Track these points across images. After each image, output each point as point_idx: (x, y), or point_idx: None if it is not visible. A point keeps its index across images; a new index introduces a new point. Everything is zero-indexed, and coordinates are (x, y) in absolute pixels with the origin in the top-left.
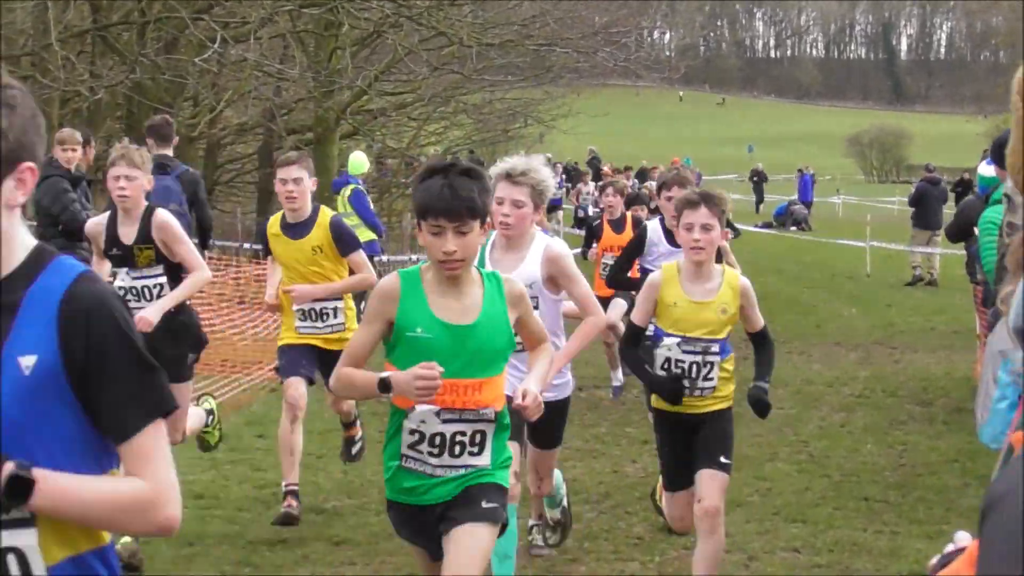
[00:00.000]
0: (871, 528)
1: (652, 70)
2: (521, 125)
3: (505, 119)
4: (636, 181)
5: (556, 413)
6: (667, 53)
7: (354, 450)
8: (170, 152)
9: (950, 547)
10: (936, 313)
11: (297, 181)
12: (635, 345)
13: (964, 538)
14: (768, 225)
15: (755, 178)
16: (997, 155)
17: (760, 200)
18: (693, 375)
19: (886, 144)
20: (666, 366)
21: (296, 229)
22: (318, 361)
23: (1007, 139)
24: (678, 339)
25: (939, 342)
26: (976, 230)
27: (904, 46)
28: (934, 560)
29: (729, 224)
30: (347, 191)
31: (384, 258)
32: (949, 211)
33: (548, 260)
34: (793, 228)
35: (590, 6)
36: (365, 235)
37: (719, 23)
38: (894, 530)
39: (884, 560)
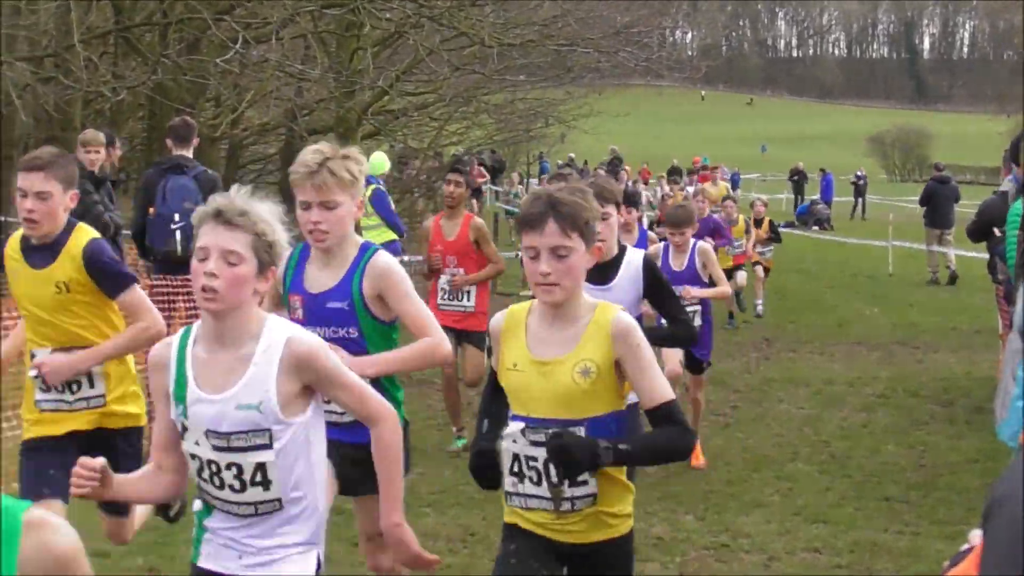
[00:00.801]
0: (892, 528)
1: (674, 70)
2: (542, 125)
3: (527, 119)
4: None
5: None
6: (689, 53)
7: None
8: (189, 153)
9: (965, 547)
10: (958, 313)
11: (43, 196)
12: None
13: (979, 537)
14: (790, 224)
15: (795, 177)
16: (1014, 152)
17: (800, 200)
18: (553, 479)
19: (908, 143)
20: (516, 468)
21: (40, 254)
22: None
23: None
24: (522, 423)
25: (961, 342)
26: (996, 230)
27: (926, 45)
28: (947, 563)
29: (772, 228)
30: (368, 191)
31: (406, 258)
32: (962, 210)
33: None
34: (815, 227)
35: (611, 6)
36: (386, 235)
37: (741, 23)
38: (915, 530)
39: (905, 560)
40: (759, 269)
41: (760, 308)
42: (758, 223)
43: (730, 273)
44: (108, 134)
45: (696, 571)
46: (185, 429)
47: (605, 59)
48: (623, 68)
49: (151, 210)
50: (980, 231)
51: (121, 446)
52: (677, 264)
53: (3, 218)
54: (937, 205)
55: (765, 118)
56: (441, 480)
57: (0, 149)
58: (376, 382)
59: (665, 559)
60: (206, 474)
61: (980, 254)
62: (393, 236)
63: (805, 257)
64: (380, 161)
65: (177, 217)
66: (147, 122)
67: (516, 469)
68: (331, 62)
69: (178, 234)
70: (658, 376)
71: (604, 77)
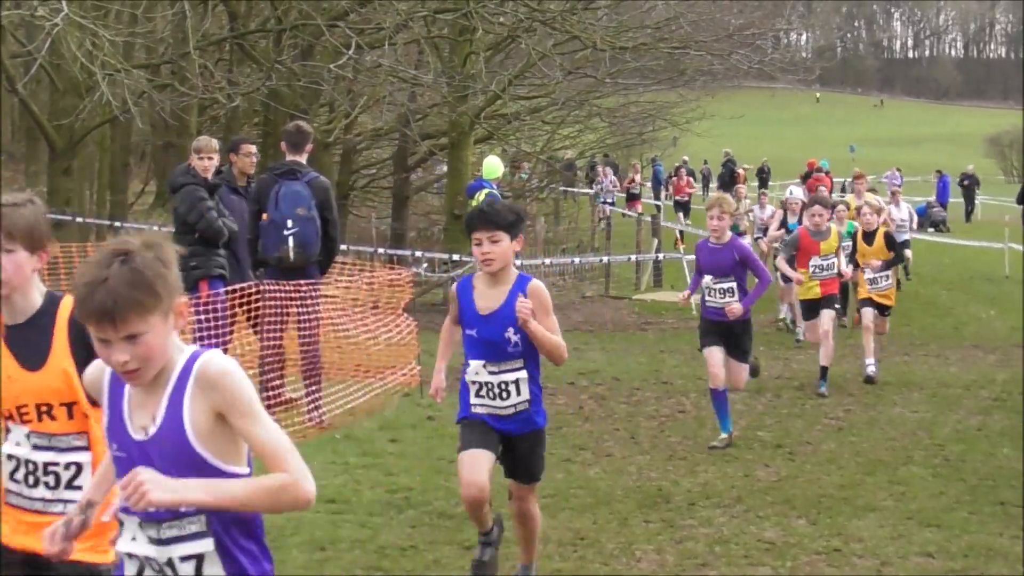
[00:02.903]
0: (1007, 533)
1: (787, 72)
2: (656, 129)
3: (639, 122)
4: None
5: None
6: (803, 54)
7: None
8: (303, 159)
9: None
10: None
11: None
12: None
13: None
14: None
15: (966, 182)
16: None
17: (971, 208)
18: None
19: None
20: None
21: None
22: None
23: None
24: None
25: None
26: None
27: None
28: None
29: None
30: (481, 195)
31: (518, 263)
32: None
33: None
34: (931, 229)
35: (724, 8)
36: None
37: (856, 23)
38: None
39: (1020, 566)
40: (868, 312)
41: (871, 369)
42: (868, 237)
43: (814, 307)
44: (235, 140)
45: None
46: None
47: (718, 61)
48: (736, 70)
49: (264, 216)
50: None
51: None
52: None
53: (120, 224)
54: None
55: (880, 119)
56: (553, 484)
57: (117, 156)
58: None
59: (776, 563)
60: None
61: None
62: None
63: (920, 260)
64: (494, 166)
65: (290, 223)
66: (262, 128)
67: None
68: (444, 67)
69: (291, 240)
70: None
71: (717, 79)
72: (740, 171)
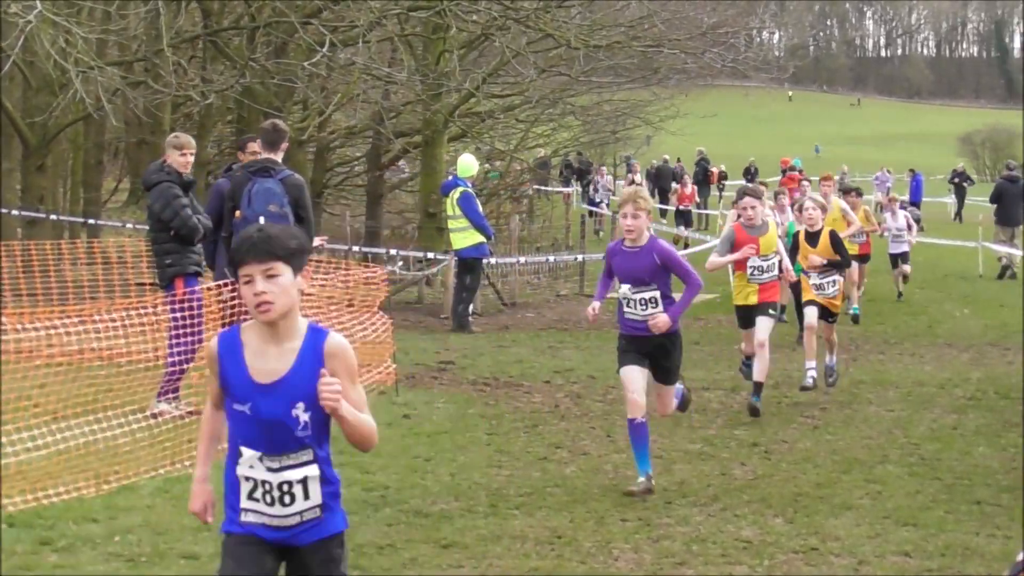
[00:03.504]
0: (983, 532)
1: (761, 70)
2: (629, 127)
3: (613, 121)
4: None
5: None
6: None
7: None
8: (277, 157)
9: (1021, 555)
10: None
11: None
12: None
13: None
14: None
15: (956, 179)
16: None
17: (960, 207)
18: None
19: (999, 143)
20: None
21: None
22: None
23: None
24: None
25: None
26: None
27: (1017, 44)
28: (1006, 572)
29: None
30: (456, 193)
31: (493, 260)
32: None
33: None
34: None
35: (698, 6)
36: (474, 238)
37: (829, 22)
38: (1007, 534)
39: (996, 565)
40: (811, 311)
41: (810, 376)
42: (812, 237)
43: (749, 315)
44: (242, 140)
45: (784, 574)
46: None
47: (692, 60)
48: (709, 69)
49: (237, 213)
50: None
51: None
52: None
53: (94, 221)
54: (1006, 203)
55: (853, 118)
56: (529, 482)
57: (91, 153)
58: None
59: (753, 562)
60: None
61: None
62: (481, 238)
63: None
64: (469, 163)
65: (262, 220)
66: (235, 126)
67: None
68: (418, 65)
69: None
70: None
71: (691, 78)
72: (714, 170)
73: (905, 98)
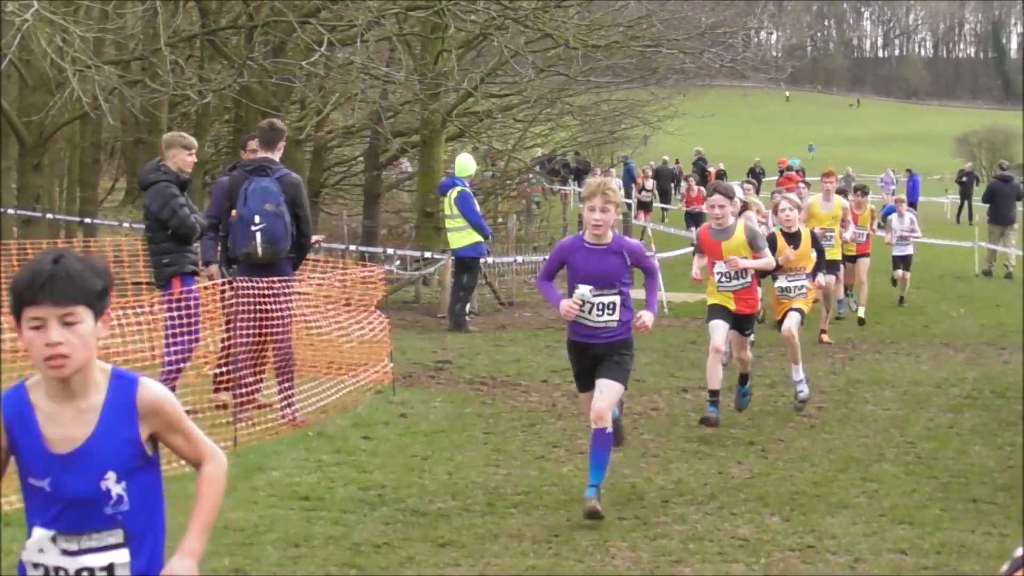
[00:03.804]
0: (979, 530)
1: (759, 70)
2: (627, 127)
3: (611, 121)
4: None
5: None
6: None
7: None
8: (275, 156)
9: (1019, 551)
10: None
11: None
12: None
13: None
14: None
15: (964, 179)
16: None
17: (962, 206)
18: None
19: (996, 144)
20: None
21: None
22: None
23: None
24: None
25: None
26: None
27: (1014, 45)
28: (1005, 567)
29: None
30: (454, 193)
31: (490, 260)
32: None
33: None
34: None
35: (697, 7)
36: (471, 237)
37: (827, 23)
38: (1003, 532)
39: (992, 563)
40: (792, 316)
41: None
42: (790, 239)
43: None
44: (245, 138)
45: (781, 572)
46: None
47: (690, 60)
48: (708, 69)
49: (233, 212)
50: None
51: None
52: None
53: (90, 220)
54: (1000, 203)
55: (850, 119)
56: (527, 481)
57: (87, 152)
58: None
59: (750, 560)
60: None
61: None
62: (478, 238)
63: (887, 257)
64: (467, 163)
65: (257, 219)
66: (233, 125)
67: None
68: (416, 64)
69: (258, 236)
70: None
71: (689, 78)
72: (711, 170)
73: (903, 99)
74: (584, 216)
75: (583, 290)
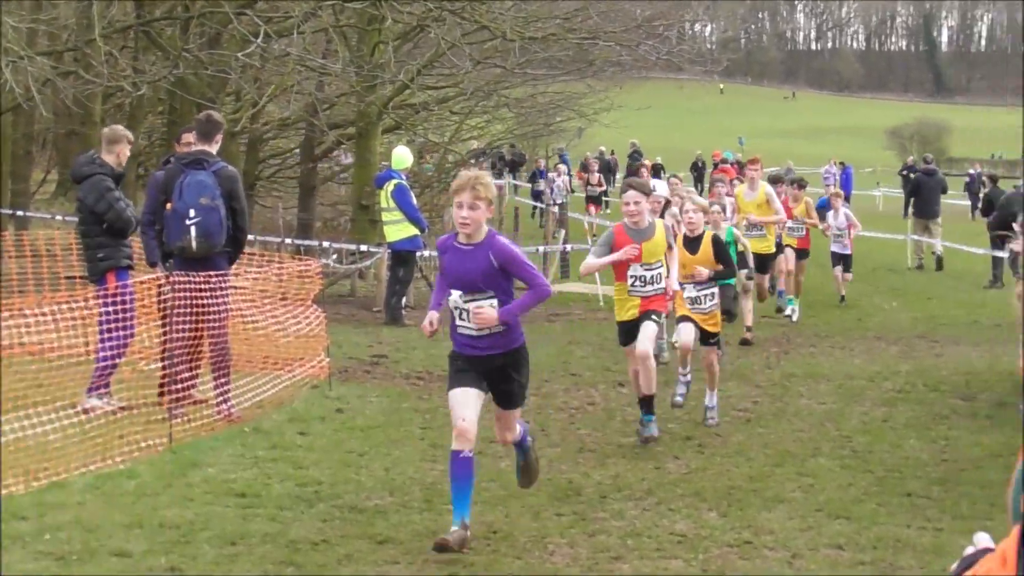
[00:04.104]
0: (915, 524)
1: (694, 63)
2: (563, 119)
3: (547, 113)
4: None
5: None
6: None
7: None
8: (212, 149)
9: (970, 549)
10: (979, 307)
11: None
12: None
13: (984, 539)
14: None
15: (905, 171)
16: None
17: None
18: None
19: (927, 137)
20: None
21: None
22: None
23: None
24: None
25: (982, 335)
26: (1016, 224)
27: (945, 38)
28: (954, 566)
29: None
30: (390, 186)
31: (426, 253)
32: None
33: None
34: None
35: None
36: (408, 230)
37: (760, 15)
38: (937, 526)
39: (928, 557)
40: (686, 328)
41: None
42: (691, 244)
43: (631, 330)
44: (181, 131)
45: (719, 569)
46: None
47: (626, 52)
48: (644, 61)
49: (168, 205)
50: (1000, 224)
51: None
52: None
53: (21, 212)
54: (924, 196)
55: (785, 111)
56: None
57: (19, 144)
58: None
59: (688, 556)
60: None
61: (964, 246)
62: (415, 231)
63: (824, 251)
64: (403, 156)
65: (192, 213)
66: (167, 117)
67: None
68: (352, 56)
69: (193, 230)
70: None
71: (625, 70)
72: (647, 162)
73: (836, 91)
74: (453, 213)
75: (454, 296)
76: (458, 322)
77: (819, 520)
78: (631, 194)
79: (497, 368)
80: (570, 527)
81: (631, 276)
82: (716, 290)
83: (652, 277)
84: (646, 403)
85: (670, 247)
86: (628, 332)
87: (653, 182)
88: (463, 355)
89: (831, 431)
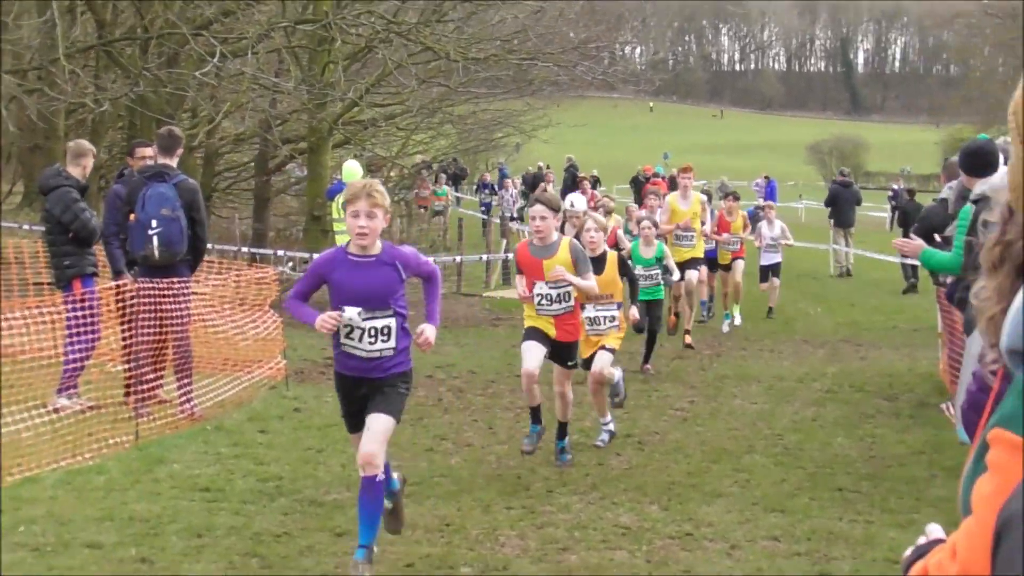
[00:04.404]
0: (846, 517)
1: (627, 83)
2: (503, 135)
3: (488, 129)
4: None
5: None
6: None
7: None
8: (172, 162)
9: (922, 539)
10: (897, 312)
11: None
12: None
13: (936, 530)
14: None
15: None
16: (967, 163)
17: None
18: None
19: (845, 152)
20: None
21: None
22: None
23: (976, 148)
24: None
25: (902, 340)
26: (937, 235)
27: (861, 60)
28: (908, 552)
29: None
30: (341, 197)
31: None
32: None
33: None
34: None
35: (569, 23)
36: None
37: (687, 38)
38: (867, 519)
39: (860, 548)
40: (602, 357)
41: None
42: (594, 264)
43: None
44: (133, 144)
45: (662, 559)
46: None
47: (563, 73)
48: (580, 81)
49: (132, 216)
50: (922, 235)
51: None
52: None
53: None
54: (841, 207)
55: (711, 128)
56: (417, 472)
57: None
58: None
59: (633, 547)
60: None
61: (877, 255)
62: None
63: (750, 260)
64: (353, 169)
65: (154, 223)
66: (127, 132)
67: None
68: (304, 75)
69: (155, 239)
70: None
71: (562, 89)
72: (582, 175)
73: (759, 110)
74: (348, 223)
75: (350, 313)
76: (344, 341)
77: (755, 513)
78: (538, 208)
79: (375, 390)
80: (519, 520)
81: (537, 294)
82: (617, 312)
83: (558, 296)
84: (561, 427)
85: (583, 271)
86: (531, 333)
87: (571, 197)
88: (347, 376)
89: (764, 430)
